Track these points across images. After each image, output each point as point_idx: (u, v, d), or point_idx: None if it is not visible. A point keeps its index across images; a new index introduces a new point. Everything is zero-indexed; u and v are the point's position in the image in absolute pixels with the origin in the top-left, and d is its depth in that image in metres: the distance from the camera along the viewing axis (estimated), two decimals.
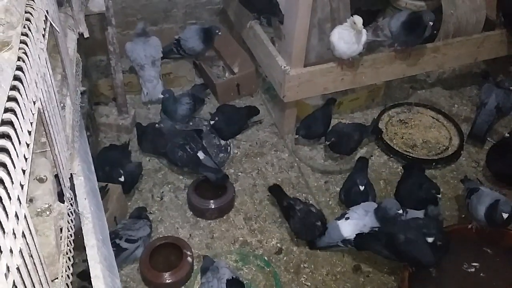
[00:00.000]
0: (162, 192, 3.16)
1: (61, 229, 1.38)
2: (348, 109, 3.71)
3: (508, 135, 3.19)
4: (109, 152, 3.14)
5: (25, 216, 0.93)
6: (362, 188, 2.84)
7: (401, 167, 3.32)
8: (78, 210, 1.55)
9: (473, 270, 2.69)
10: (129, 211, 2.98)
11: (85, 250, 1.59)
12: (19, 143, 0.94)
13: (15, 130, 0.93)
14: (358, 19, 2.88)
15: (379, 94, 3.77)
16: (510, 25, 3.48)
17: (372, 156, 3.42)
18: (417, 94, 3.93)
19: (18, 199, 0.89)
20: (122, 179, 2.91)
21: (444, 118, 3.67)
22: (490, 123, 3.37)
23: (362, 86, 3.52)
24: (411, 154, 3.38)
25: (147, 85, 3.52)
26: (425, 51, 3.33)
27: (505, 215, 2.49)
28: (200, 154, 3.02)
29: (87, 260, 2.49)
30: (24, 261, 0.91)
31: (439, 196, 2.81)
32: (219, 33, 3.65)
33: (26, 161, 0.98)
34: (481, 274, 2.68)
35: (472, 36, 3.44)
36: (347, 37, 2.95)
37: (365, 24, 3.02)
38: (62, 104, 1.67)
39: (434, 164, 3.34)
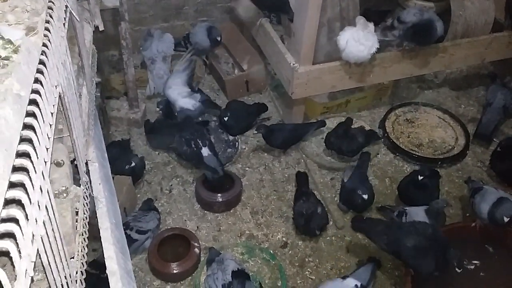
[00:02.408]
0: (171, 185, 3.22)
1: (77, 212, 1.44)
2: (355, 107, 3.75)
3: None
4: (113, 147, 3.21)
5: (48, 191, 0.98)
6: (366, 196, 2.88)
7: (406, 165, 3.37)
8: (93, 194, 1.61)
9: (472, 267, 2.72)
10: (138, 203, 3.04)
11: (96, 240, 1.65)
12: (43, 122, 1.00)
13: (39, 109, 0.99)
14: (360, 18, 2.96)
15: (387, 93, 3.81)
16: None
17: (378, 154, 3.46)
18: (424, 94, 3.97)
19: (42, 173, 0.95)
20: (133, 164, 3.04)
21: (451, 118, 3.70)
22: (496, 122, 3.39)
23: (369, 85, 3.56)
24: (417, 153, 3.41)
25: (156, 80, 3.59)
26: (433, 51, 3.36)
27: (506, 219, 2.52)
28: (204, 151, 3.03)
29: (97, 249, 2.56)
30: (47, 233, 0.97)
31: (421, 177, 2.87)
32: (219, 39, 3.71)
33: (49, 140, 1.04)
34: (481, 274, 2.70)
35: (480, 37, 3.47)
36: (357, 44, 2.99)
37: (374, 24, 3.07)
38: (78, 93, 1.73)
39: (439, 163, 3.37)
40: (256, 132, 3.27)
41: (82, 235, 1.41)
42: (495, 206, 2.58)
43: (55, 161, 1.46)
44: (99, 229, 1.65)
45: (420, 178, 2.87)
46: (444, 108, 3.78)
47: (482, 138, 3.48)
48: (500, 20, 3.63)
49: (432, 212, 2.72)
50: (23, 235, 0.79)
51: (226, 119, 3.39)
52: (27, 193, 0.84)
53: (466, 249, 2.75)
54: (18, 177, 0.81)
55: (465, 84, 4.06)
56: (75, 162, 1.57)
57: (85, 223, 1.44)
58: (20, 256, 0.77)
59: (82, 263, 1.35)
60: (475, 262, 2.73)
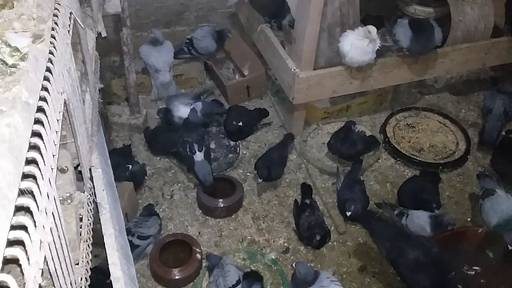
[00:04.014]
0: (172, 190, 3.22)
1: (81, 218, 1.45)
2: (356, 112, 3.75)
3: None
4: (113, 154, 3.21)
5: (54, 198, 0.99)
6: (349, 214, 2.87)
7: (407, 170, 3.38)
8: (97, 200, 1.61)
9: (473, 273, 2.70)
10: (139, 209, 3.04)
11: (97, 246, 1.64)
12: (50, 128, 1.00)
13: (46, 116, 1.00)
14: (373, 29, 2.94)
15: (387, 98, 3.82)
16: None
17: (379, 159, 3.46)
18: (425, 99, 3.98)
19: (49, 180, 0.95)
20: (130, 167, 3.05)
21: (451, 123, 3.70)
22: (499, 128, 3.40)
23: (370, 90, 3.57)
24: (418, 158, 3.42)
25: (159, 87, 3.60)
26: (433, 56, 3.37)
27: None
28: (198, 156, 2.99)
29: (98, 255, 2.55)
30: (53, 240, 0.97)
31: (437, 212, 2.88)
32: (230, 36, 3.74)
33: (55, 146, 1.05)
34: (482, 280, 2.68)
35: (480, 42, 3.48)
36: (360, 48, 3.00)
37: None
38: (82, 99, 1.74)
39: (440, 168, 3.37)
40: (260, 180, 3.07)
41: (87, 241, 1.41)
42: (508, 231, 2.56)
43: (59, 167, 1.46)
44: (102, 235, 1.65)
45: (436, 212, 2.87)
46: (444, 113, 3.79)
47: (488, 145, 3.47)
48: (499, 26, 3.65)
49: (436, 221, 2.71)
50: (31, 242, 0.79)
51: (240, 124, 3.39)
52: (35, 200, 0.84)
53: (467, 255, 2.74)
54: (26, 184, 0.81)
55: (465, 89, 4.07)
56: (79, 168, 1.58)
57: (89, 229, 1.44)
58: (29, 263, 0.78)
59: (86, 269, 1.36)
60: (476, 268, 2.72)
